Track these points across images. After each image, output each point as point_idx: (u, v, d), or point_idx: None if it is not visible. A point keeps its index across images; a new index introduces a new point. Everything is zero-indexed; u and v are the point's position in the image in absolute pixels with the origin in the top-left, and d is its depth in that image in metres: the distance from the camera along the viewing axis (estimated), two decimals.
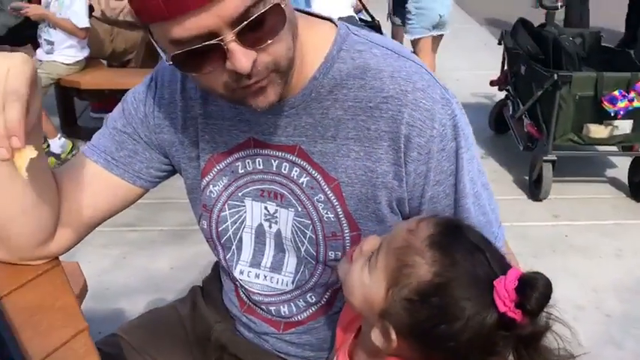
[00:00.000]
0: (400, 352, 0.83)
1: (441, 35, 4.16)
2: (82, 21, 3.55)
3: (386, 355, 0.85)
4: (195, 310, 1.25)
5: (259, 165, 0.99)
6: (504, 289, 0.76)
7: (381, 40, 0.96)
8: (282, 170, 0.97)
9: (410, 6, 4.01)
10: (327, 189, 0.95)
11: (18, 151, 0.80)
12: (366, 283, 0.84)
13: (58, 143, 3.64)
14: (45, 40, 3.64)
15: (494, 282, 0.77)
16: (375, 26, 3.72)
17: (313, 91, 0.93)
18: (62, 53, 3.63)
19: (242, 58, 0.76)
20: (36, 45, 3.81)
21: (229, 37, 0.75)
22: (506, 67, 3.91)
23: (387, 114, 0.90)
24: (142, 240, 2.94)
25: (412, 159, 0.91)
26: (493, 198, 1.03)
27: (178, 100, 1.02)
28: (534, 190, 3.36)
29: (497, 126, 4.13)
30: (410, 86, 0.90)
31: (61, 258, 1.09)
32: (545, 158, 3.24)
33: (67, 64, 3.63)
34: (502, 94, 4.04)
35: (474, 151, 0.97)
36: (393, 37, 4.45)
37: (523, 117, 3.50)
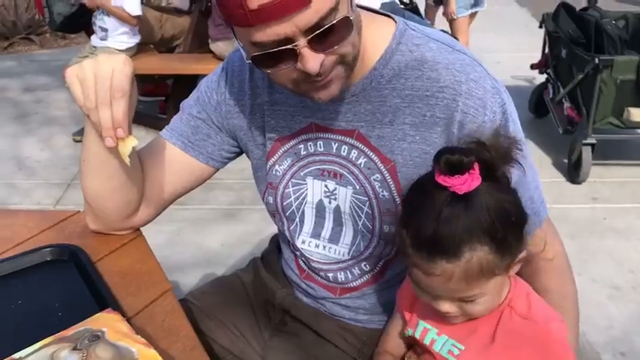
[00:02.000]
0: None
1: (476, 12, 4.27)
2: (135, 9, 3.71)
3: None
4: (257, 278, 1.37)
5: (320, 147, 1.10)
6: (460, 186, 0.86)
7: (436, 35, 1.06)
8: (342, 152, 1.08)
9: None
10: (383, 169, 1.05)
11: (122, 140, 0.94)
12: (489, 297, 0.93)
13: None
14: (99, 27, 3.81)
15: (458, 194, 0.87)
16: (413, 9, 3.80)
17: (373, 81, 1.03)
18: (115, 40, 3.80)
19: (311, 61, 0.87)
20: (90, 32, 3.98)
21: (302, 43, 0.85)
22: (547, 51, 3.93)
23: (443, 102, 1.00)
24: (194, 218, 3.10)
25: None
26: (538, 177, 1.11)
27: (247, 89, 1.13)
28: (573, 172, 3.39)
29: (537, 109, 4.15)
30: (464, 77, 0.99)
31: None
32: (584, 141, 3.28)
33: (120, 50, 3.79)
34: (542, 77, 4.07)
35: (521, 135, 1.06)
36: (426, 16, 4.52)
37: (563, 100, 3.52)
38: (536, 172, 1.11)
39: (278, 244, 1.36)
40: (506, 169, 0.91)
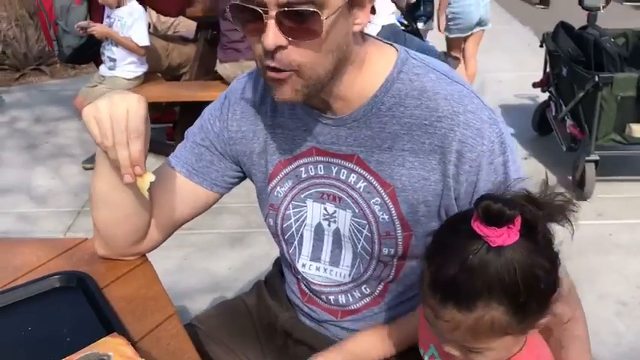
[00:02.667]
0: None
1: (483, 30, 4.36)
2: (143, 40, 3.79)
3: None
4: (260, 302, 1.40)
5: (320, 170, 1.13)
6: (497, 238, 0.82)
7: (437, 65, 1.10)
8: (341, 176, 1.12)
9: (447, 10, 4.27)
10: (383, 193, 1.08)
11: (140, 176, 1.00)
12: (498, 354, 0.90)
13: None
14: (108, 57, 3.89)
15: (492, 245, 0.83)
16: (413, 31, 3.87)
17: (374, 107, 1.06)
18: (123, 69, 3.88)
19: (271, 34, 0.91)
20: (98, 62, 4.07)
21: (272, 13, 0.90)
22: (548, 69, 3.98)
23: (441, 131, 1.03)
24: (202, 243, 3.14)
25: (464, 171, 1.03)
26: None
27: (249, 115, 1.18)
28: (578, 189, 3.41)
29: (540, 127, 4.18)
30: (461, 108, 1.03)
31: None
32: (587, 158, 3.30)
33: (128, 79, 3.87)
34: (545, 96, 4.10)
35: (519, 162, 1.09)
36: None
37: (565, 118, 3.56)
38: None
39: (281, 268, 1.39)
40: (549, 228, 0.87)
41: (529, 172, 1.14)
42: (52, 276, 1.17)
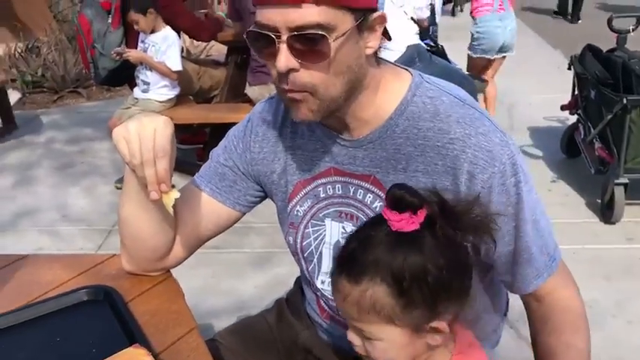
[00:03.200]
0: (452, 328, 0.94)
1: (504, 57, 4.38)
2: (176, 65, 3.90)
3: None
4: (281, 319, 1.43)
5: (338, 190, 1.17)
6: (397, 222, 0.88)
7: (450, 88, 1.13)
8: (358, 196, 1.15)
9: (472, 29, 4.34)
10: None
11: (165, 193, 1.06)
12: (389, 345, 0.93)
13: None
14: (142, 80, 4.01)
15: (392, 229, 0.89)
16: (439, 52, 3.89)
17: (389, 130, 1.10)
18: (156, 92, 3.98)
19: (283, 58, 0.96)
20: (132, 85, 4.19)
21: (284, 37, 0.95)
22: (576, 92, 3.96)
23: (453, 153, 1.06)
24: (228, 262, 3.18)
25: (476, 192, 1.05)
26: (550, 223, 1.15)
27: (270, 137, 1.22)
28: (607, 213, 3.37)
29: (568, 150, 4.15)
30: (473, 130, 1.05)
31: None
32: (616, 181, 3.26)
33: (161, 102, 3.98)
34: (574, 118, 4.08)
35: (531, 183, 1.11)
36: None
37: (594, 141, 3.53)
38: (549, 220, 1.15)
39: (301, 286, 1.42)
40: (456, 233, 0.91)
41: (557, 195, 1.15)
42: (81, 290, 1.21)
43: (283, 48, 0.96)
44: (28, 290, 1.24)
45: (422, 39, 3.65)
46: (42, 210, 3.92)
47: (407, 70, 1.14)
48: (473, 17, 4.49)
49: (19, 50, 7.05)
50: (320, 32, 0.94)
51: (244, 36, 1.01)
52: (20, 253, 1.45)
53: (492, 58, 4.46)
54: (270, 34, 0.96)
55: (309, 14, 0.93)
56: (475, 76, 4.73)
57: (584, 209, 3.56)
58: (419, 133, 1.08)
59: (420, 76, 1.12)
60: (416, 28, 3.55)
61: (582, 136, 3.78)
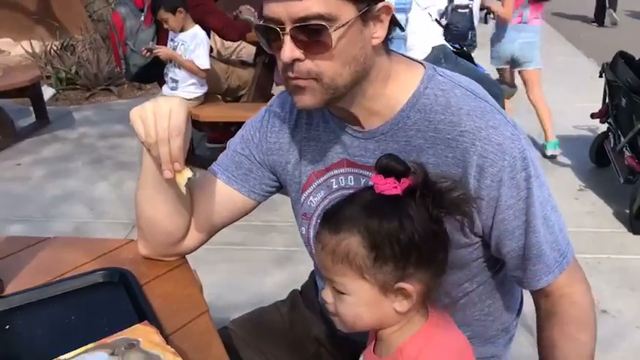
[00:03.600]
0: (420, 294, 0.96)
1: (524, 70, 4.47)
2: (204, 63, 3.95)
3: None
4: (294, 310, 1.44)
5: (350, 182, 1.17)
6: (382, 185, 0.94)
7: (463, 81, 1.12)
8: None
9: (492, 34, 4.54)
10: None
11: (179, 172, 1.08)
12: (356, 300, 0.96)
13: None
14: (170, 78, 4.07)
15: (376, 191, 0.95)
16: (464, 53, 3.86)
17: (400, 122, 1.10)
18: (185, 90, 4.04)
19: (287, 50, 0.97)
20: (161, 82, 4.26)
21: (287, 29, 0.97)
22: (607, 100, 3.89)
23: (463, 145, 1.05)
24: (250, 258, 3.20)
25: (486, 185, 1.05)
26: (562, 220, 1.14)
27: (286, 128, 1.23)
28: (635, 223, 3.30)
29: (598, 159, 4.08)
30: (483, 123, 1.05)
31: None
32: None
33: (189, 99, 4.01)
34: (604, 127, 4.01)
35: (542, 178, 1.10)
36: None
37: (624, 149, 3.46)
38: (560, 217, 1.14)
39: (315, 278, 1.42)
40: (436, 209, 0.94)
41: (585, 204, 1.13)
42: (97, 271, 1.24)
43: (287, 39, 0.97)
44: (47, 270, 1.27)
45: (458, 44, 3.66)
46: (70, 201, 4.00)
47: (420, 62, 1.14)
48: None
49: (55, 48, 7.22)
50: (321, 23, 0.95)
51: (254, 30, 1.04)
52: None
53: (501, 67, 4.55)
54: (275, 26, 0.97)
55: (311, 6, 0.95)
56: (504, 81, 4.69)
57: (611, 219, 3.50)
58: (430, 125, 1.08)
59: (434, 69, 1.12)
60: (440, 30, 3.54)
61: (612, 145, 3.71)
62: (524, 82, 4.57)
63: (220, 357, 1.03)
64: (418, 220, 0.93)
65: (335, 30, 0.96)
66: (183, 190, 1.11)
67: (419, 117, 1.09)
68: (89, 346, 0.90)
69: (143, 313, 1.10)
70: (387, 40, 1.06)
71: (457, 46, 3.63)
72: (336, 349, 1.35)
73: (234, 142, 1.30)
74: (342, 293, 0.96)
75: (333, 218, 0.97)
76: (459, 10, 4.57)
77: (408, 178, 0.95)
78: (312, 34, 0.96)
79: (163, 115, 1.05)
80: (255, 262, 3.18)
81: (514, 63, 4.55)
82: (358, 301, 0.96)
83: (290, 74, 1.01)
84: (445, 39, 3.51)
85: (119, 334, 0.94)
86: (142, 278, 1.23)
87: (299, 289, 1.52)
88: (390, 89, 1.09)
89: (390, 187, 0.94)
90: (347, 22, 0.97)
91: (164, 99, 1.08)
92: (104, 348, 0.89)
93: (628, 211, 3.40)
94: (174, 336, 1.06)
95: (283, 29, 0.97)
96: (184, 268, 1.29)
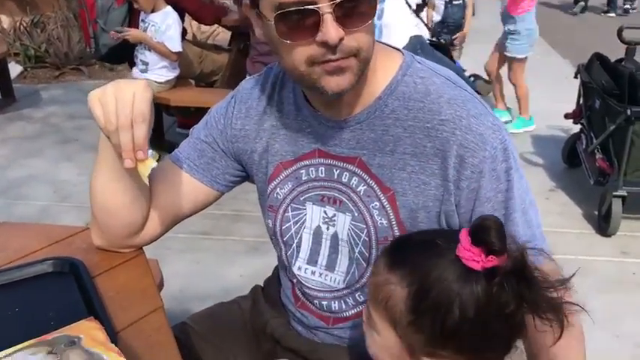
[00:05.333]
0: None
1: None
2: (176, 46, 3.85)
3: None
4: (254, 306, 1.39)
5: (321, 173, 1.12)
6: (464, 250, 0.81)
7: (441, 70, 1.08)
8: (343, 179, 1.10)
9: (519, 26, 4.48)
10: (382, 198, 1.07)
11: (141, 162, 0.99)
12: (382, 343, 0.91)
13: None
14: (141, 60, 3.96)
15: (456, 252, 0.82)
16: (440, 45, 3.85)
17: (377, 110, 1.05)
18: (155, 73, 3.93)
19: (332, 29, 0.90)
20: (132, 64, 4.14)
21: (326, 8, 0.89)
22: (581, 101, 3.90)
23: (442, 135, 1.01)
24: (216, 248, 3.14)
25: (466, 177, 1.01)
26: (539, 215, 1.11)
27: (253, 115, 1.17)
28: (603, 225, 3.32)
29: (569, 159, 4.10)
30: (465, 112, 1.01)
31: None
32: (615, 193, 3.21)
33: (159, 83, 3.92)
34: (577, 128, 4.02)
35: (521, 171, 1.07)
36: None
37: (595, 151, 3.47)
38: (537, 211, 1.11)
39: (279, 274, 1.37)
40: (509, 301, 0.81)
41: (555, 204, 1.10)
42: (46, 260, 1.17)
43: (329, 19, 0.89)
44: None
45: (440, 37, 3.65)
46: (33, 183, 3.89)
47: (398, 50, 1.09)
48: (512, 16, 4.48)
49: (25, 24, 7.00)
50: None
51: (271, 23, 0.94)
52: None
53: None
54: (312, 7, 0.89)
55: None
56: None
57: (580, 220, 3.51)
58: (409, 114, 1.03)
59: (412, 57, 1.08)
60: (416, 20, 3.53)
61: (584, 146, 3.72)
62: (511, 67, 4.66)
63: (172, 358, 0.97)
64: (480, 309, 0.80)
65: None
66: (146, 180, 1.03)
67: (397, 105, 1.04)
68: (26, 343, 0.83)
69: (92, 307, 1.04)
70: None
71: (434, 39, 3.60)
72: (294, 345, 1.30)
73: (198, 129, 1.23)
74: (371, 326, 0.92)
75: (397, 253, 0.89)
76: (455, 2, 4.57)
77: (499, 257, 0.80)
78: (357, 7, 0.91)
79: (126, 99, 0.97)
80: (221, 252, 3.12)
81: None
82: (383, 345, 0.91)
83: (331, 57, 0.93)
84: (441, 32, 3.49)
85: (61, 330, 0.87)
86: (95, 269, 1.17)
87: (261, 284, 1.46)
88: (369, 77, 1.04)
89: (471, 257, 0.81)
90: None
91: (126, 81, 1.00)
92: (43, 345, 0.82)
93: (597, 213, 3.42)
94: (124, 332, 1.00)
95: (320, 8, 0.89)
96: (140, 260, 1.23)
